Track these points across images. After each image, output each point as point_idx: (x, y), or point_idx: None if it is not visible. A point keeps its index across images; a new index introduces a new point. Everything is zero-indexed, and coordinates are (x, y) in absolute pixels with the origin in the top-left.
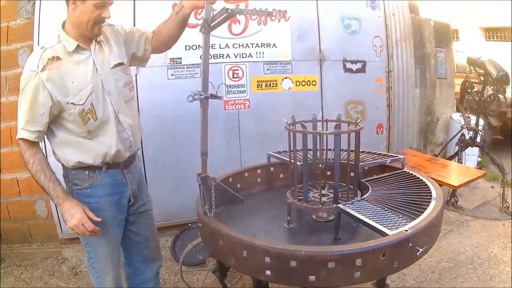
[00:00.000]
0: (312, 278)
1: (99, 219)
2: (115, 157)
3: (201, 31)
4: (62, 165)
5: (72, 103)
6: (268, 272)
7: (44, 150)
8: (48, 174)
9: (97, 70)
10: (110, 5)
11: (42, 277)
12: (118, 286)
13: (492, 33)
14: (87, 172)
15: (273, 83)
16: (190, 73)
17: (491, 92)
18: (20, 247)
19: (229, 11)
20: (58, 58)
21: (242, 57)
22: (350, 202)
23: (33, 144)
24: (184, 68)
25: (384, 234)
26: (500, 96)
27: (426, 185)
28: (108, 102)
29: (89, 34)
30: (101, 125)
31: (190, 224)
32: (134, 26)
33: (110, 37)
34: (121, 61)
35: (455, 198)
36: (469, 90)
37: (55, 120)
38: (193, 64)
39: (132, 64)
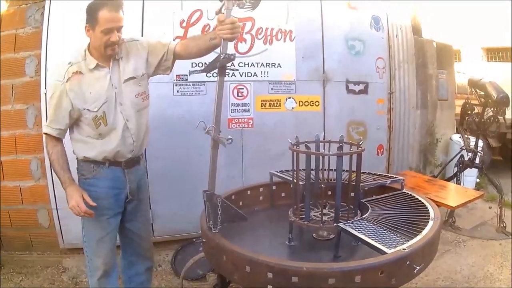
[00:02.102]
0: None
1: (94, 204)
2: (116, 156)
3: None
4: (76, 158)
5: (88, 109)
6: (270, 287)
7: None
8: (61, 163)
9: (112, 85)
10: (119, 30)
11: (42, 285)
12: (108, 272)
13: (493, 54)
14: (92, 165)
15: (277, 103)
16: (196, 90)
17: (491, 113)
18: (21, 255)
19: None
20: (80, 72)
21: (247, 76)
22: (351, 221)
23: (55, 138)
24: (190, 85)
25: (382, 252)
26: (500, 117)
27: (425, 205)
28: (119, 111)
29: (104, 55)
30: (111, 130)
31: (194, 239)
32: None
33: (130, 52)
34: (133, 75)
35: (453, 218)
36: (470, 112)
37: (75, 122)
38: (199, 82)
39: (156, 73)
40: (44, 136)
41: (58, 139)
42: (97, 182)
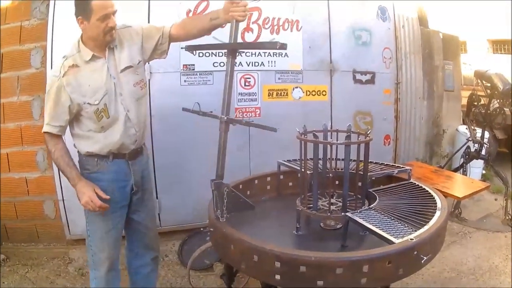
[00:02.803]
0: (320, 283)
1: (107, 197)
2: (120, 148)
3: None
4: (78, 152)
5: (88, 103)
6: (277, 277)
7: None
8: (66, 160)
9: (111, 75)
10: (114, 14)
11: (48, 276)
12: (113, 265)
13: (499, 46)
14: (96, 159)
15: (284, 92)
16: (203, 80)
17: (497, 105)
18: (27, 246)
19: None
20: (76, 65)
21: (254, 66)
22: (358, 211)
23: (56, 136)
24: (197, 74)
25: (390, 242)
26: (506, 109)
27: (432, 196)
28: (119, 102)
29: (103, 43)
30: (113, 122)
31: (202, 229)
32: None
33: (124, 39)
34: (129, 64)
35: (459, 209)
36: (476, 103)
37: (76, 117)
38: (205, 71)
39: (152, 58)
40: (45, 135)
41: (59, 136)
42: (101, 176)
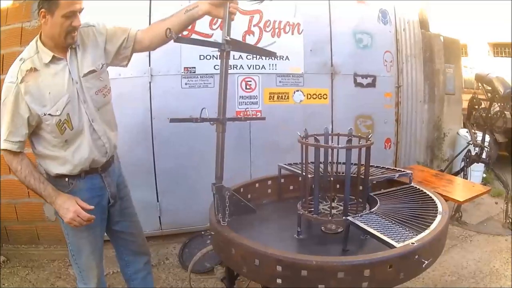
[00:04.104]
0: (321, 287)
1: (91, 207)
2: (92, 164)
3: (220, 50)
4: (45, 172)
5: (49, 114)
6: (279, 281)
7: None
8: (36, 176)
9: (73, 79)
10: (80, 12)
11: (48, 279)
12: (101, 279)
13: (500, 49)
14: (66, 179)
15: (285, 95)
16: (204, 83)
17: (498, 108)
18: (27, 248)
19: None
20: (35, 69)
21: (255, 69)
22: (359, 215)
23: (17, 154)
24: (198, 77)
25: (391, 246)
26: (507, 112)
27: (433, 199)
28: (83, 111)
29: (63, 44)
30: (77, 134)
31: (203, 232)
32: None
33: (87, 39)
34: (93, 68)
35: (460, 213)
36: (477, 107)
37: (35, 132)
38: (206, 74)
39: (113, 63)
40: (3, 153)
41: (20, 153)
42: (75, 196)
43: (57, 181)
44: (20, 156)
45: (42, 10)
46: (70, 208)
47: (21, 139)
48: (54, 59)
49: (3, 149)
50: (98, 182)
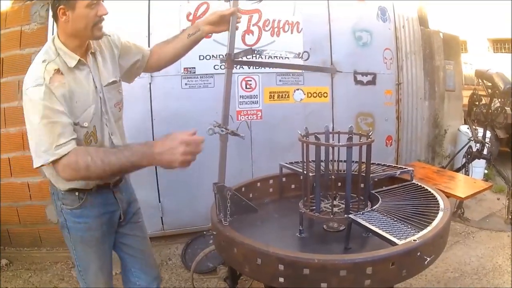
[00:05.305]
0: (324, 285)
1: (194, 129)
2: (106, 179)
3: (224, 66)
4: (52, 186)
5: (79, 125)
6: (281, 280)
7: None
8: (113, 151)
9: (96, 88)
10: (103, 0)
11: (51, 281)
12: None
13: (500, 45)
14: (76, 193)
15: (285, 94)
16: (204, 83)
17: (498, 104)
18: (30, 251)
19: (255, 51)
20: (61, 72)
21: (255, 68)
22: (361, 212)
23: (73, 152)
24: (198, 77)
25: (393, 244)
26: (507, 108)
27: (434, 196)
28: (104, 123)
29: (91, 38)
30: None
31: (205, 232)
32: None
33: (104, 47)
34: (114, 78)
35: (462, 209)
36: (477, 103)
37: None
38: (206, 74)
39: (122, 79)
40: (61, 167)
41: (76, 148)
42: (86, 212)
43: (67, 195)
44: (77, 151)
45: (61, 7)
46: (174, 142)
47: (73, 136)
48: (79, 64)
49: (56, 163)
50: (110, 197)
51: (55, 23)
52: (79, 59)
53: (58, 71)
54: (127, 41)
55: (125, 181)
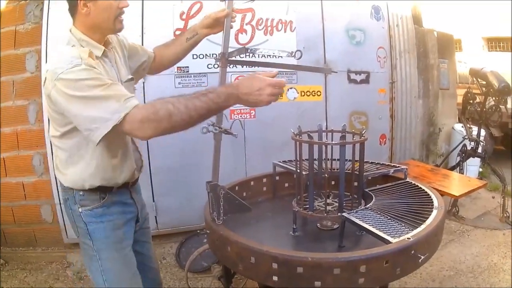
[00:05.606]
0: (318, 284)
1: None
2: (130, 177)
3: (218, 65)
4: (64, 187)
5: None
6: (275, 278)
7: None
8: (194, 96)
9: (121, 81)
10: None
11: (46, 281)
12: None
13: (494, 43)
14: (98, 192)
15: None
16: (197, 82)
17: (492, 103)
18: (25, 251)
19: (249, 50)
20: (94, 57)
21: (248, 67)
22: (354, 211)
23: (149, 104)
24: (191, 77)
25: (387, 242)
26: (502, 106)
27: (428, 195)
28: None
29: (112, 31)
30: (127, 144)
31: (198, 231)
32: (143, 31)
33: (117, 46)
34: (130, 76)
35: (456, 208)
36: (471, 101)
37: (77, 136)
38: (200, 73)
39: None
40: (135, 115)
41: (143, 104)
42: (108, 210)
43: (86, 195)
44: (150, 104)
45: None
46: (262, 84)
47: (130, 94)
48: (103, 55)
49: (126, 114)
50: (128, 197)
51: (71, 17)
52: (104, 49)
53: (91, 53)
54: (133, 43)
55: (138, 183)
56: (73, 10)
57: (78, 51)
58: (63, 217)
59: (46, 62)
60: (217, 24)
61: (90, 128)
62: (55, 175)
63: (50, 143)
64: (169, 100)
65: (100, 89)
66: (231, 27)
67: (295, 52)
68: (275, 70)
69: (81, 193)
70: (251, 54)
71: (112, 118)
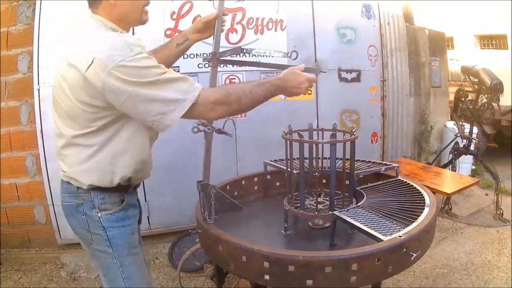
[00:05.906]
0: (309, 282)
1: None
2: (148, 175)
3: (209, 65)
4: (76, 191)
5: None
6: (267, 277)
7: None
8: (255, 84)
9: None
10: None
11: (40, 282)
12: None
13: (487, 41)
14: (117, 193)
15: None
16: None
17: (485, 100)
18: (19, 252)
19: (244, 50)
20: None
21: (239, 66)
22: (346, 209)
23: (221, 87)
24: None
25: (379, 240)
26: (494, 104)
27: (420, 192)
28: None
29: (138, 22)
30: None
31: (190, 231)
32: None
33: None
34: None
35: (449, 205)
36: (463, 99)
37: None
38: (190, 73)
39: None
40: (210, 104)
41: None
42: (127, 213)
43: (107, 197)
44: (222, 87)
45: None
46: (302, 78)
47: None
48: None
49: (202, 95)
50: (134, 198)
51: (89, 9)
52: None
53: (139, 40)
54: None
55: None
56: (93, 2)
57: (130, 39)
58: (56, 218)
59: (39, 63)
60: (207, 27)
61: (163, 111)
62: (62, 178)
63: (43, 144)
64: (237, 85)
65: (167, 74)
66: (222, 31)
67: (291, 52)
68: (301, 65)
69: (101, 196)
70: (245, 54)
71: (188, 98)
